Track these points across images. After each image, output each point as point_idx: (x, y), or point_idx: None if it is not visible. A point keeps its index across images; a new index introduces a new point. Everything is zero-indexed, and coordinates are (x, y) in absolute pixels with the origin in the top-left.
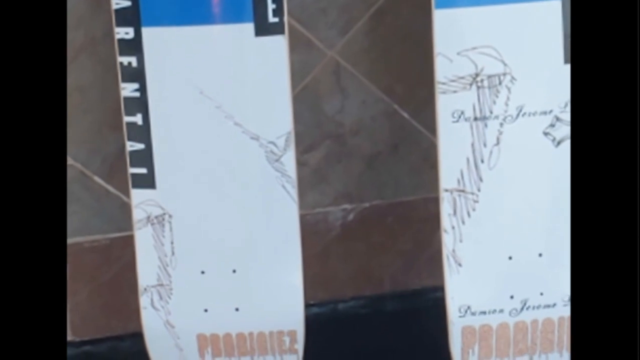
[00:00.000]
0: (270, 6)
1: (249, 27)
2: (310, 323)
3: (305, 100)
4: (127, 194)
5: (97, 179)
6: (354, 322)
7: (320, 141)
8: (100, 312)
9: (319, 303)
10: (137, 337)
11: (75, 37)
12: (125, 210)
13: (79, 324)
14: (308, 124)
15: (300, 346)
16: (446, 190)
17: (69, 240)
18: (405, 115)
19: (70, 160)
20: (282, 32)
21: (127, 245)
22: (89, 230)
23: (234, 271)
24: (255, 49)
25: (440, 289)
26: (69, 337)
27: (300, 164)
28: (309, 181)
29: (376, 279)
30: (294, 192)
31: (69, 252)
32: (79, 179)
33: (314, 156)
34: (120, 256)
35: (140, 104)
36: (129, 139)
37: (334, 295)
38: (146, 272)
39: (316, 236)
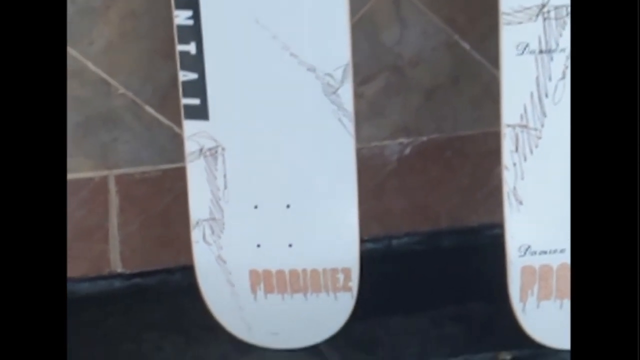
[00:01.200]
0: None
1: None
2: (364, 259)
3: (362, 30)
4: (180, 125)
5: (148, 108)
6: (408, 258)
7: (377, 73)
8: (151, 244)
9: (373, 239)
10: (188, 270)
11: None
12: (177, 141)
13: (129, 256)
14: (365, 54)
15: (354, 284)
16: (508, 126)
17: (120, 171)
18: (467, 46)
19: (121, 89)
20: None
21: (178, 177)
22: (140, 161)
23: (288, 206)
24: None
25: (498, 226)
26: (119, 269)
27: (356, 96)
28: (366, 114)
29: (432, 214)
30: (350, 126)
31: (120, 183)
32: (130, 108)
33: (371, 88)
34: (171, 188)
35: (194, 32)
36: (182, 69)
37: (388, 231)
38: (198, 205)
39: (371, 171)
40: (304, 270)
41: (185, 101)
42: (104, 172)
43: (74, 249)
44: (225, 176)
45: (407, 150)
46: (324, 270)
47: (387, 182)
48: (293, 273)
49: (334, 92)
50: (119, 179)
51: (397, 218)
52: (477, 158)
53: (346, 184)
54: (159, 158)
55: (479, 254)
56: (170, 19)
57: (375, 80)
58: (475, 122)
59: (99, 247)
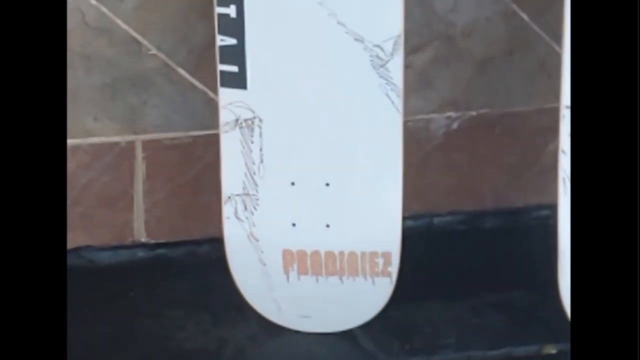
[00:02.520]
0: None
1: None
2: (403, 237)
3: None
4: (214, 90)
5: (181, 71)
6: (449, 238)
7: (428, 42)
8: (178, 214)
9: (413, 216)
10: (216, 242)
11: None
12: (211, 106)
13: (154, 225)
14: (416, 22)
15: (394, 269)
16: (568, 107)
17: (147, 136)
18: (525, 17)
19: (153, 50)
20: None
21: (210, 144)
22: (170, 127)
23: (327, 184)
24: None
25: (546, 207)
26: (142, 239)
27: (404, 66)
28: (413, 85)
29: (477, 193)
30: (398, 102)
31: (147, 149)
32: (161, 70)
33: (420, 58)
34: (202, 156)
35: None
36: (220, 33)
37: (430, 209)
38: (231, 179)
39: (416, 144)
40: (341, 253)
41: (222, 67)
42: (131, 137)
43: (95, 216)
44: (261, 149)
45: (455, 125)
46: (363, 253)
47: (432, 158)
48: (329, 255)
49: (383, 66)
50: (147, 144)
51: (440, 195)
52: (528, 136)
53: (391, 163)
54: (190, 124)
55: (524, 236)
56: None
57: (425, 49)
58: (529, 98)
59: (123, 216)
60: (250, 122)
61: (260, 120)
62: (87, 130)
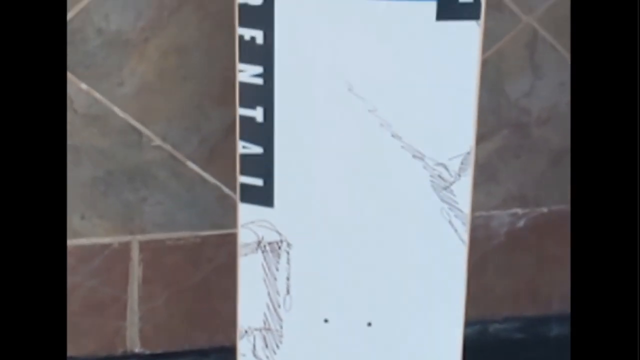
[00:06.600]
0: None
1: (429, 7)
2: None
3: (484, 77)
4: (230, 186)
5: (190, 164)
6: (506, 348)
7: (496, 130)
8: (180, 321)
9: (465, 322)
10: (224, 352)
11: None
12: (224, 203)
13: (151, 333)
14: (483, 107)
15: None
16: None
17: (146, 237)
18: None
19: (156, 140)
20: (476, 16)
21: (223, 244)
22: (174, 226)
23: (369, 324)
24: (435, 36)
25: None
26: (136, 349)
27: None
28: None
29: (542, 297)
30: (463, 231)
31: (145, 250)
32: (166, 163)
33: (485, 148)
34: (212, 257)
35: (262, 95)
36: (243, 139)
37: (484, 314)
38: (250, 310)
39: (473, 244)
40: None
41: (243, 180)
42: (126, 237)
43: (80, 323)
44: (288, 279)
45: (520, 223)
46: None
47: (490, 258)
48: None
49: (447, 188)
50: (145, 245)
51: (498, 299)
52: None
53: (450, 304)
54: (199, 222)
55: None
56: (226, 57)
57: (492, 139)
58: None
59: (113, 323)
60: (275, 246)
61: (289, 244)
62: (72, 230)
